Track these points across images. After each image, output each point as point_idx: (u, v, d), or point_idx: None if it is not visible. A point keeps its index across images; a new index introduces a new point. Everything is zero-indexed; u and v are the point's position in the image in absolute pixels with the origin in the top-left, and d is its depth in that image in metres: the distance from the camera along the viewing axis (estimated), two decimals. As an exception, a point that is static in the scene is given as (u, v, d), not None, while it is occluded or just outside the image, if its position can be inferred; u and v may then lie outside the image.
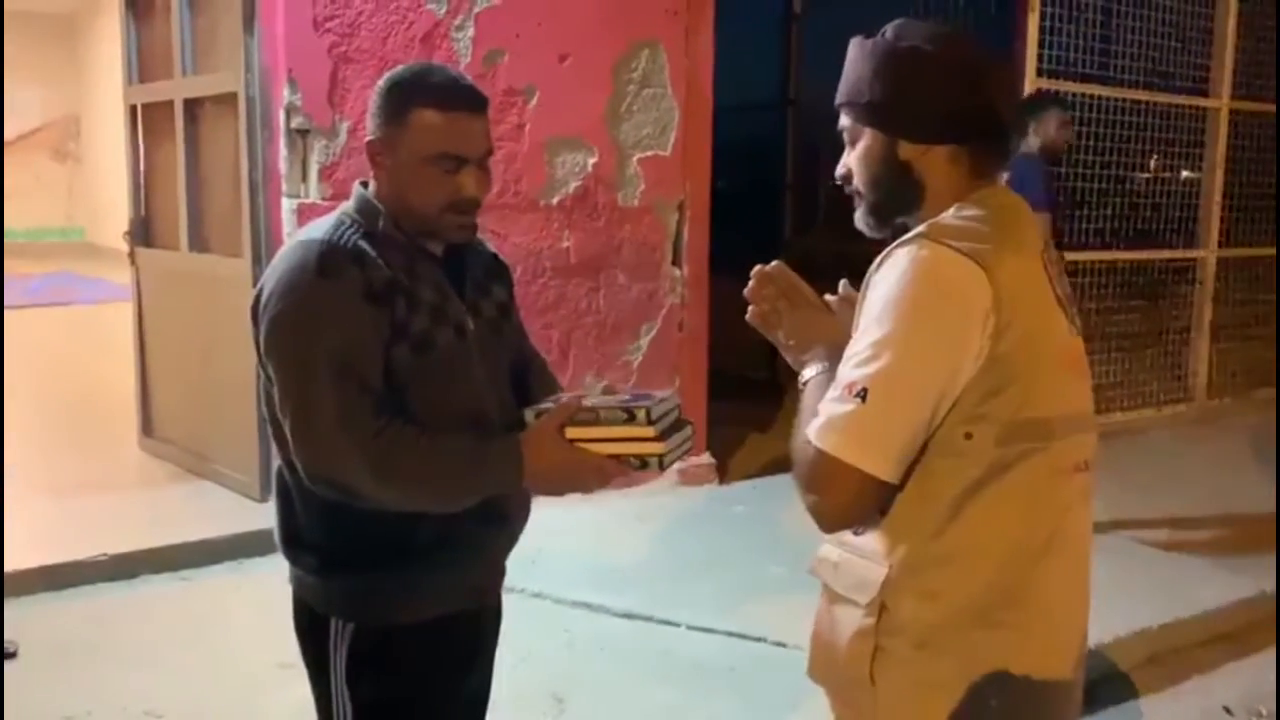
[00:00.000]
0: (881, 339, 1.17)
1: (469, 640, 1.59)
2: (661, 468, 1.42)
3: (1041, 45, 5.45)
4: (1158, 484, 4.95)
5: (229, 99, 3.98)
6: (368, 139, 1.50)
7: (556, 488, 1.46)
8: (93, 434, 5.13)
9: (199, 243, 4.35)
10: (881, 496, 1.19)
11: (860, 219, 1.35)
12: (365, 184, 1.54)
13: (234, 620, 3.24)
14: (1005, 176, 1.56)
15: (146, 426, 4.75)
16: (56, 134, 16.62)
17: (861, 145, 1.32)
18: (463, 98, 1.47)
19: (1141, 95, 5.98)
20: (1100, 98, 5.80)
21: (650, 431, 1.39)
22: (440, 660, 1.54)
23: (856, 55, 1.32)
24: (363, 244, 1.44)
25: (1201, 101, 6.29)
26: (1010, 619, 1.21)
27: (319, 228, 1.49)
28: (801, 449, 1.21)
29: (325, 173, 3.80)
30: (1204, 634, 3.37)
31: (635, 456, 1.41)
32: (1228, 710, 3.00)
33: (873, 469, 1.16)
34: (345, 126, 3.81)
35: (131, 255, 4.73)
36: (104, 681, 2.84)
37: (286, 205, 3.82)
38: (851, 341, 1.21)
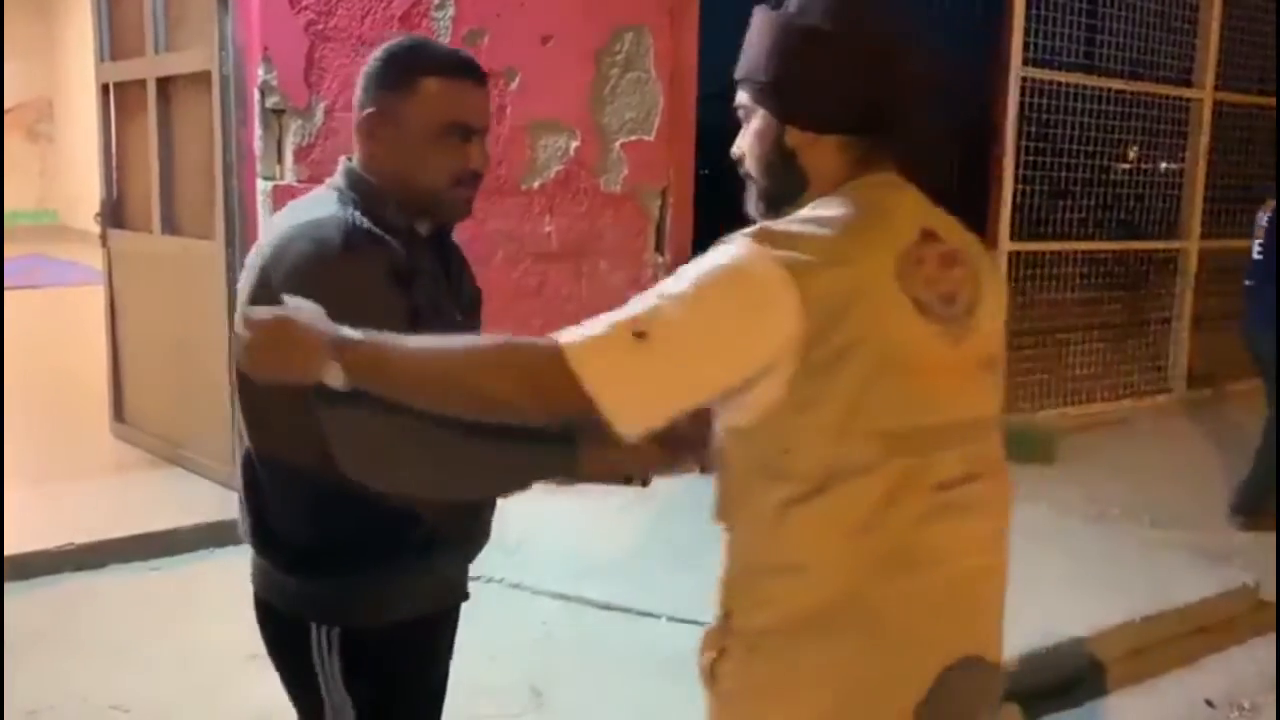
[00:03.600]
0: (677, 295, 1.10)
1: (448, 632, 1.57)
2: (645, 483, 1.39)
3: (1028, 34, 5.44)
4: (1138, 475, 4.96)
5: (202, 77, 3.89)
6: (365, 111, 1.42)
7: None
8: (63, 419, 5.04)
9: (172, 225, 4.26)
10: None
11: (750, 204, 1.27)
12: (351, 159, 1.46)
13: (204, 611, 3.17)
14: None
15: (118, 412, 4.66)
16: (29, 115, 16.37)
17: (754, 126, 1.24)
18: (469, 67, 1.42)
19: (1126, 85, 5.98)
20: (1085, 87, 5.79)
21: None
22: (432, 653, 1.53)
23: (757, 27, 1.23)
24: (370, 224, 1.36)
25: (1185, 92, 6.30)
26: (843, 633, 1.14)
27: (320, 204, 1.39)
28: (533, 350, 1.11)
29: (301, 153, 3.72)
30: (1186, 626, 3.36)
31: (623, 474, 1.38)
32: (1210, 703, 3.00)
33: (613, 417, 1.08)
34: (322, 106, 3.73)
35: (103, 237, 4.64)
36: (69, 673, 2.78)
37: (261, 187, 3.75)
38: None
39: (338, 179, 1.45)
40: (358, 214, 1.37)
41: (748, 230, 1.14)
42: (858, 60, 1.17)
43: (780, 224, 1.15)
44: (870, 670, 1.15)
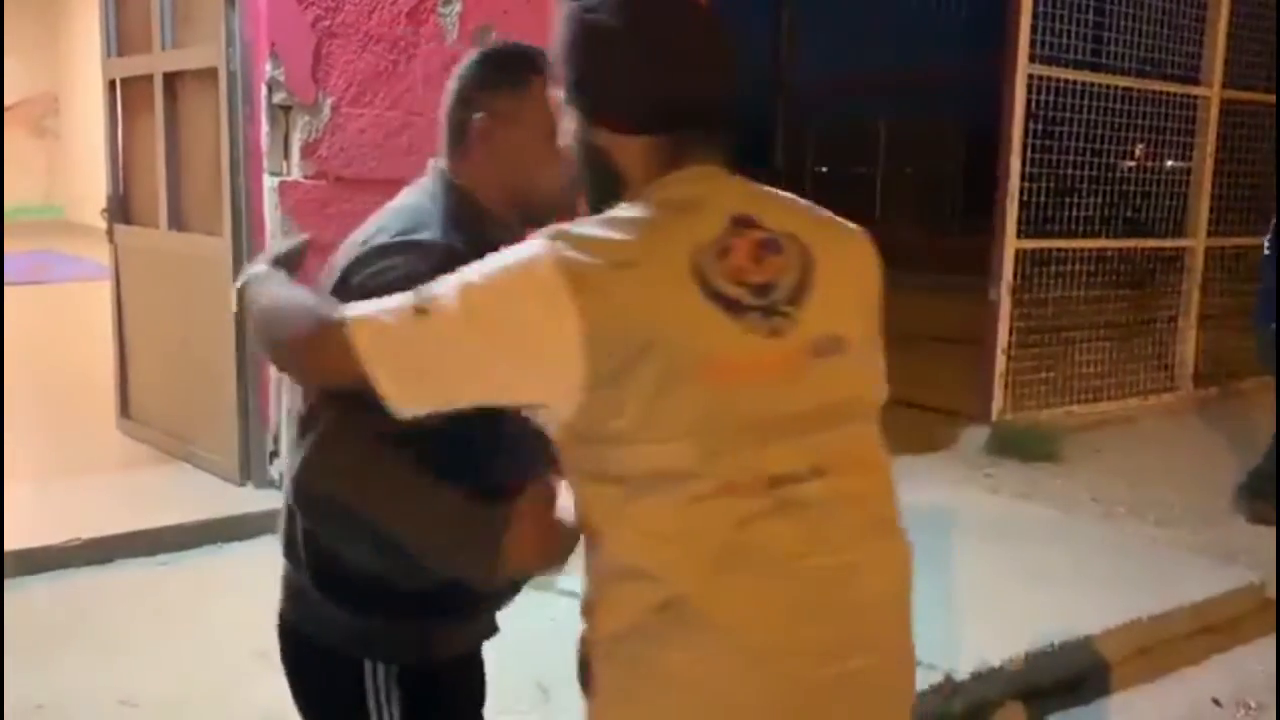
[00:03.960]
0: (468, 283, 1.08)
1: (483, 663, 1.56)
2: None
3: (1035, 31, 5.42)
4: (1145, 474, 4.95)
5: (209, 73, 3.89)
6: (477, 116, 1.36)
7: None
8: (70, 414, 5.05)
9: (178, 221, 4.26)
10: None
11: (581, 202, 1.24)
12: (441, 163, 1.40)
13: (212, 606, 3.18)
14: None
15: (124, 407, 4.67)
16: (35, 110, 16.39)
17: (568, 122, 1.20)
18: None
19: (1133, 83, 5.97)
20: (1092, 85, 5.78)
21: None
22: (482, 684, 1.52)
23: (558, 18, 1.18)
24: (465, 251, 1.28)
25: (1193, 90, 6.28)
26: (684, 638, 1.10)
27: (424, 219, 1.32)
28: (324, 313, 1.12)
29: (308, 149, 3.72)
30: (1192, 625, 3.35)
31: None
32: (1216, 702, 2.99)
33: (385, 390, 1.07)
34: (329, 103, 3.73)
35: (110, 233, 4.65)
36: (78, 669, 2.78)
37: (268, 183, 3.75)
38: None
39: (432, 185, 1.40)
40: (458, 241, 1.30)
41: (548, 229, 1.11)
42: (650, 58, 1.13)
43: (579, 225, 1.12)
44: (714, 678, 1.10)
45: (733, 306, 1.09)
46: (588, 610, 1.17)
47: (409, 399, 1.09)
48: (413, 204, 1.38)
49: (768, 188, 1.21)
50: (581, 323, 1.04)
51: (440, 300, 1.07)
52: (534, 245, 1.09)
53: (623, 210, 1.13)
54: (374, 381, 1.07)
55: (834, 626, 1.13)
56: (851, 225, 1.24)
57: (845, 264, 1.19)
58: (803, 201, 1.23)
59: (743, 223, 1.13)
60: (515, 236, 1.25)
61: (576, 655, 1.20)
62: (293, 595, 1.39)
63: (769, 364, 1.10)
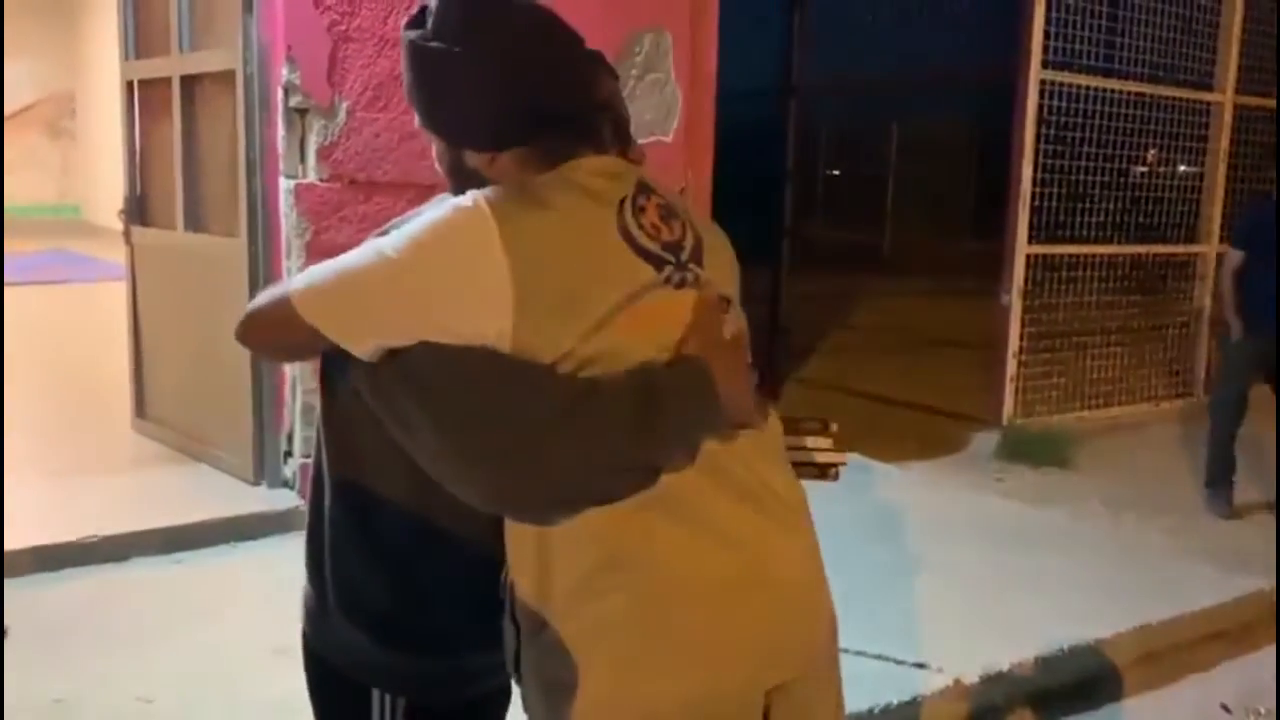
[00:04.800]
0: (404, 233, 1.13)
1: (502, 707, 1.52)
2: (836, 478, 1.46)
3: (1048, 37, 5.43)
4: (1156, 479, 4.95)
5: (227, 76, 3.93)
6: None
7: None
8: (85, 414, 5.09)
9: (195, 222, 4.30)
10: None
11: None
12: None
13: (226, 604, 3.21)
14: None
15: (140, 407, 4.71)
16: (51, 110, 16.51)
17: (435, 147, 1.25)
18: None
19: (1146, 88, 5.96)
20: (1105, 90, 5.77)
21: (833, 443, 1.46)
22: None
23: (402, 50, 1.20)
24: None
25: (1205, 95, 6.27)
26: (622, 577, 1.16)
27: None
28: (265, 295, 1.20)
29: (324, 152, 3.75)
30: (1202, 631, 3.35)
31: (817, 465, 1.45)
32: (1225, 708, 2.99)
33: (334, 334, 1.14)
34: (344, 106, 3.76)
35: (126, 233, 4.69)
36: (94, 664, 2.81)
37: (284, 185, 3.78)
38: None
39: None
40: None
41: (477, 190, 1.16)
42: (496, 76, 1.15)
43: (490, 190, 1.16)
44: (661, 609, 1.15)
45: (651, 258, 1.16)
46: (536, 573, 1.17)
47: (353, 334, 1.14)
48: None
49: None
50: (507, 256, 1.08)
51: (382, 247, 1.13)
52: (464, 197, 1.14)
53: (538, 179, 1.17)
54: (325, 332, 1.13)
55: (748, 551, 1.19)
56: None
57: (717, 239, 1.28)
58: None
59: (645, 189, 1.20)
60: None
61: (516, 625, 1.21)
62: (311, 615, 1.38)
63: (682, 313, 1.17)
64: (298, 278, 1.18)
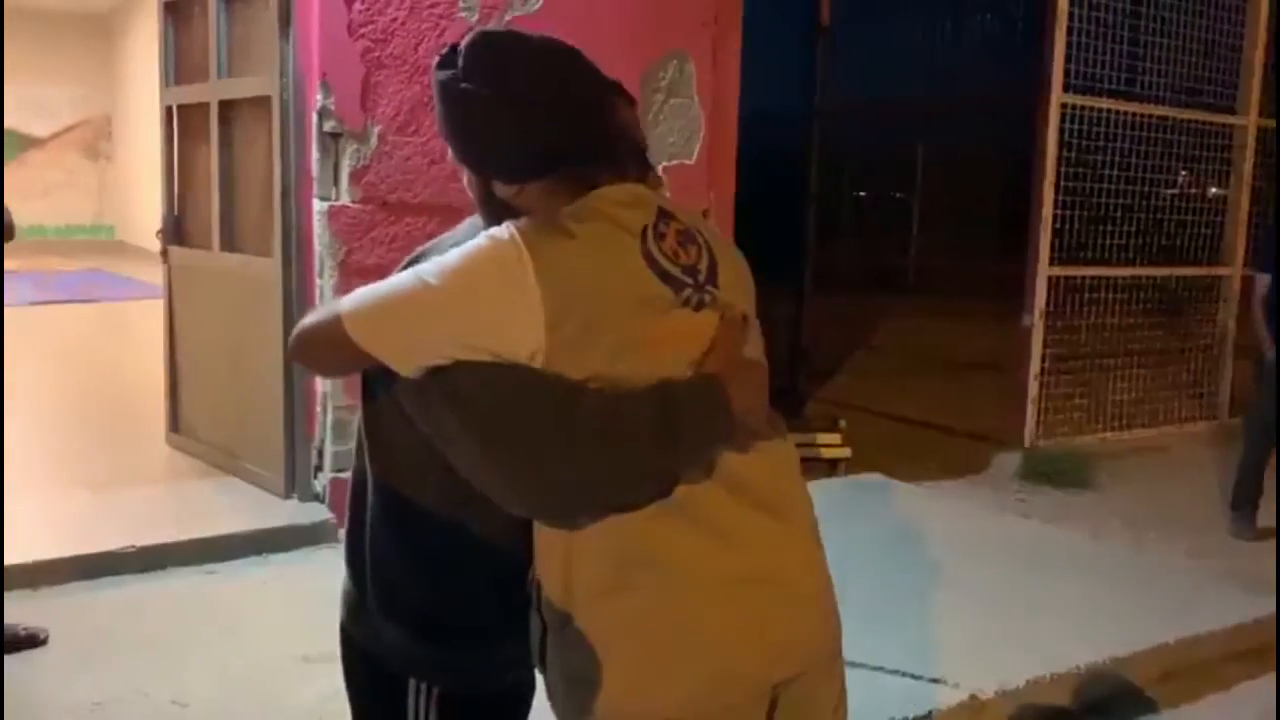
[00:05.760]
0: (441, 262, 1.21)
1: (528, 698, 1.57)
2: (845, 472, 1.49)
3: (1069, 61, 5.47)
4: (1178, 500, 4.94)
5: (263, 102, 4.05)
6: None
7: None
8: (122, 429, 5.21)
9: (230, 242, 4.42)
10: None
11: None
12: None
13: (259, 613, 3.29)
14: None
15: (175, 423, 4.81)
16: (89, 133, 16.86)
17: (465, 176, 1.34)
18: None
19: (1168, 112, 5.99)
20: (1126, 114, 5.81)
21: (840, 438, 1.50)
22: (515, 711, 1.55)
23: (434, 88, 1.30)
24: None
25: (1229, 119, 6.28)
26: (646, 576, 1.25)
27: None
28: (315, 316, 1.29)
29: (356, 175, 3.86)
30: (1222, 651, 3.36)
31: (825, 461, 1.49)
32: (1244, 728, 3.00)
33: (381, 354, 1.22)
34: (377, 131, 3.87)
35: (164, 253, 4.81)
36: (131, 670, 2.89)
37: (318, 207, 3.89)
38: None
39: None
40: None
41: (508, 223, 1.24)
42: (520, 116, 1.25)
43: (525, 222, 1.25)
44: (681, 604, 1.23)
45: (672, 281, 1.25)
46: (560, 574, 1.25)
47: (399, 356, 1.22)
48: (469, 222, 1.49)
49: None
50: (539, 285, 1.18)
51: (425, 275, 1.21)
52: (499, 229, 1.23)
53: (566, 210, 1.26)
54: (368, 349, 1.22)
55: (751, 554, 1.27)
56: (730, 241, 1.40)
57: (733, 260, 1.36)
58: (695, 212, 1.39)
59: (665, 215, 1.29)
60: None
61: (542, 627, 1.29)
62: (351, 608, 1.43)
63: (702, 332, 1.26)
64: (345, 300, 1.25)
